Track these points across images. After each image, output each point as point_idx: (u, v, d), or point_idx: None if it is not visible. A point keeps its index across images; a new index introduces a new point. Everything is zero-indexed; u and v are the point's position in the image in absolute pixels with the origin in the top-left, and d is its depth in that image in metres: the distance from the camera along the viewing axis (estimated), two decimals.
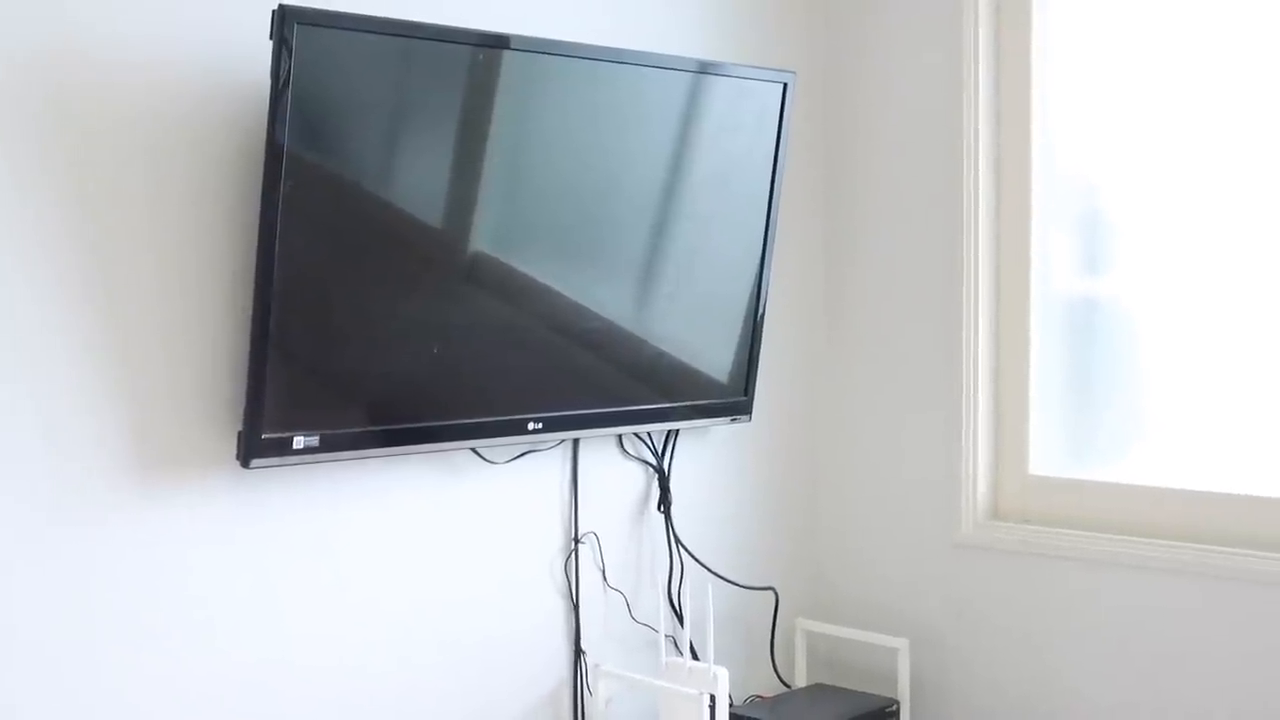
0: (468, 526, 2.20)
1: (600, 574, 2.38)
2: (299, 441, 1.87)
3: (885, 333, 2.63)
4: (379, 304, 1.98)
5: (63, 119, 1.70)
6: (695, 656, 2.42)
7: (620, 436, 2.40)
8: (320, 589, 2.00)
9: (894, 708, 2.47)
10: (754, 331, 2.44)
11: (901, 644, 2.49)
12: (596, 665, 2.34)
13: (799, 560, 2.76)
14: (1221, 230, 2.22)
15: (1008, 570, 2.49)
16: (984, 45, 2.46)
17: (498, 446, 2.18)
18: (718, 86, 2.30)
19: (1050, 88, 2.43)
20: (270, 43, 1.70)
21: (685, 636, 2.46)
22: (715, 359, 2.41)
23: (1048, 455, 2.49)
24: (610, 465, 2.42)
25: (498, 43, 1.96)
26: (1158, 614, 2.28)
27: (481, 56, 1.96)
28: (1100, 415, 2.46)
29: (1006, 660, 2.50)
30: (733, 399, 2.44)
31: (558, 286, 2.15)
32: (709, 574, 2.50)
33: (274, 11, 1.68)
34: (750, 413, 2.44)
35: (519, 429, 2.14)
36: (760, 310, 2.44)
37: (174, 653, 1.83)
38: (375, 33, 1.85)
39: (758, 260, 2.44)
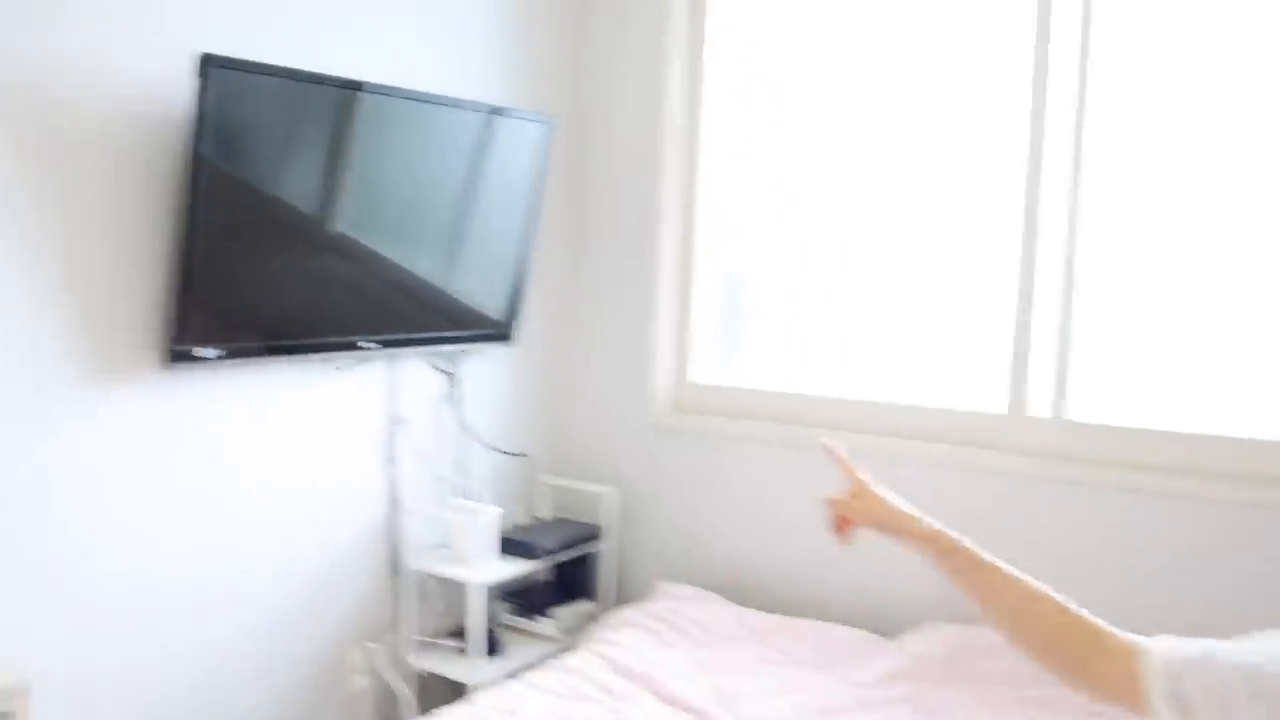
0: (322, 414, 2.66)
1: (411, 447, 2.88)
2: (208, 352, 2.24)
3: (603, 287, 3.29)
4: (267, 260, 2.31)
5: (47, 127, 2.07)
6: (473, 500, 3.03)
7: (427, 353, 2.88)
8: (220, 454, 2.43)
9: (598, 532, 3.16)
10: (519, 284, 2.96)
11: (610, 491, 3.21)
12: (409, 507, 2.88)
13: (547, 434, 3.38)
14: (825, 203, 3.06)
15: (683, 445, 3.17)
16: (676, 89, 3.15)
17: (344, 359, 2.65)
18: (504, 122, 2.78)
19: (716, 121, 3.15)
20: (197, 79, 2.11)
21: (468, 487, 3.06)
22: (491, 302, 2.91)
23: (706, 368, 3.24)
24: (419, 373, 2.90)
25: (353, 86, 2.39)
26: (778, 477, 3.00)
27: (342, 96, 2.37)
28: (738, 344, 3.26)
29: (680, 504, 3.18)
30: (502, 329, 2.96)
31: (388, 253, 2.58)
32: (484, 446, 3.11)
33: (200, 57, 2.10)
34: (512, 337, 2.98)
35: (358, 347, 2.57)
36: (524, 271, 2.96)
37: (101, 509, 2.23)
38: (268, 75, 2.21)
39: (525, 239, 2.94)
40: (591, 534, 3.18)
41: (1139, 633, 1.21)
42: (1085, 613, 1.23)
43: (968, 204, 2.87)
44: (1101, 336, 2.71)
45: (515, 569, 2.91)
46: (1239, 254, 2.56)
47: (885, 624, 2.78)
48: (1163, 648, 1.15)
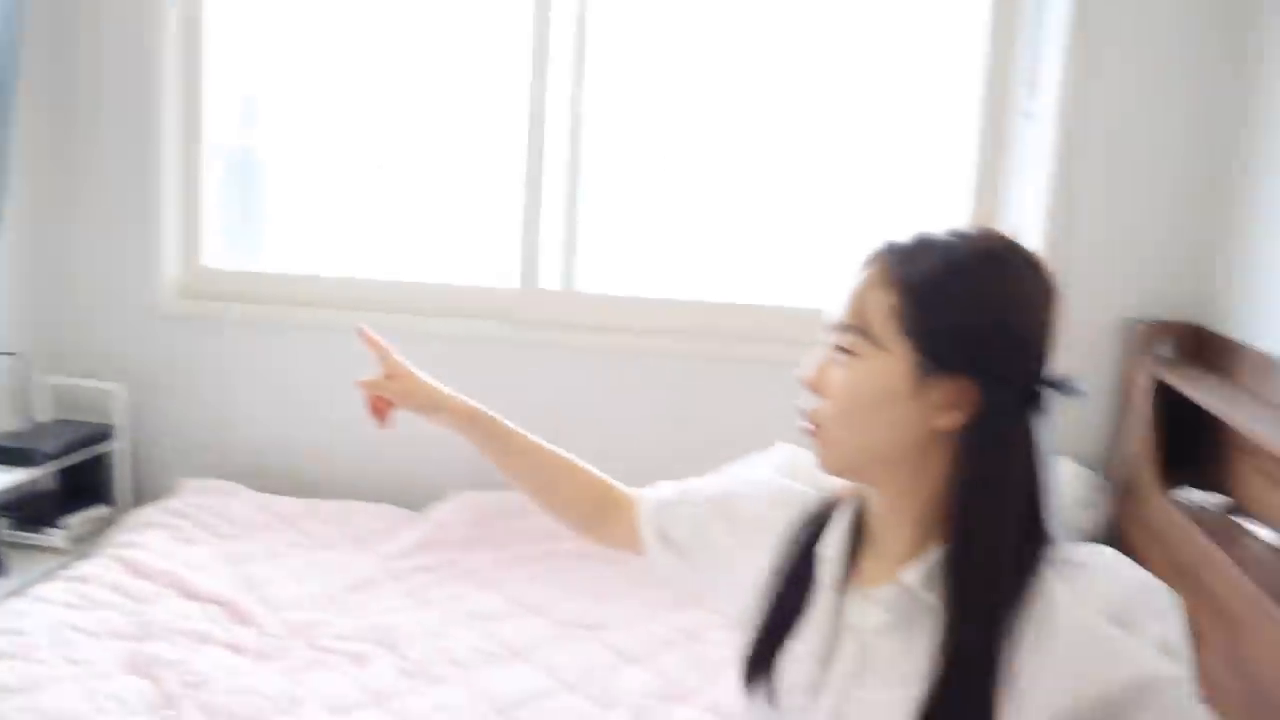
0: None
1: None
2: None
3: (99, 163, 3.04)
4: None
5: None
6: None
7: None
8: None
9: (107, 431, 2.98)
10: None
11: (118, 387, 3.01)
12: None
13: (41, 329, 3.07)
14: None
15: (197, 333, 3.05)
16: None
17: None
18: None
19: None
20: None
21: None
22: None
23: (220, 251, 3.12)
24: None
25: None
26: (300, 361, 2.99)
27: None
28: (255, 226, 3.21)
29: (199, 396, 3.08)
30: None
31: None
32: None
33: None
34: None
35: None
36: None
37: None
38: None
39: None
40: (100, 434, 3.00)
41: (647, 477, 1.39)
42: (602, 476, 1.38)
43: (480, 87, 2.94)
44: (605, 215, 2.93)
45: (10, 479, 2.70)
46: (720, 147, 2.86)
47: (413, 499, 2.88)
48: (651, 494, 1.32)
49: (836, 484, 1.16)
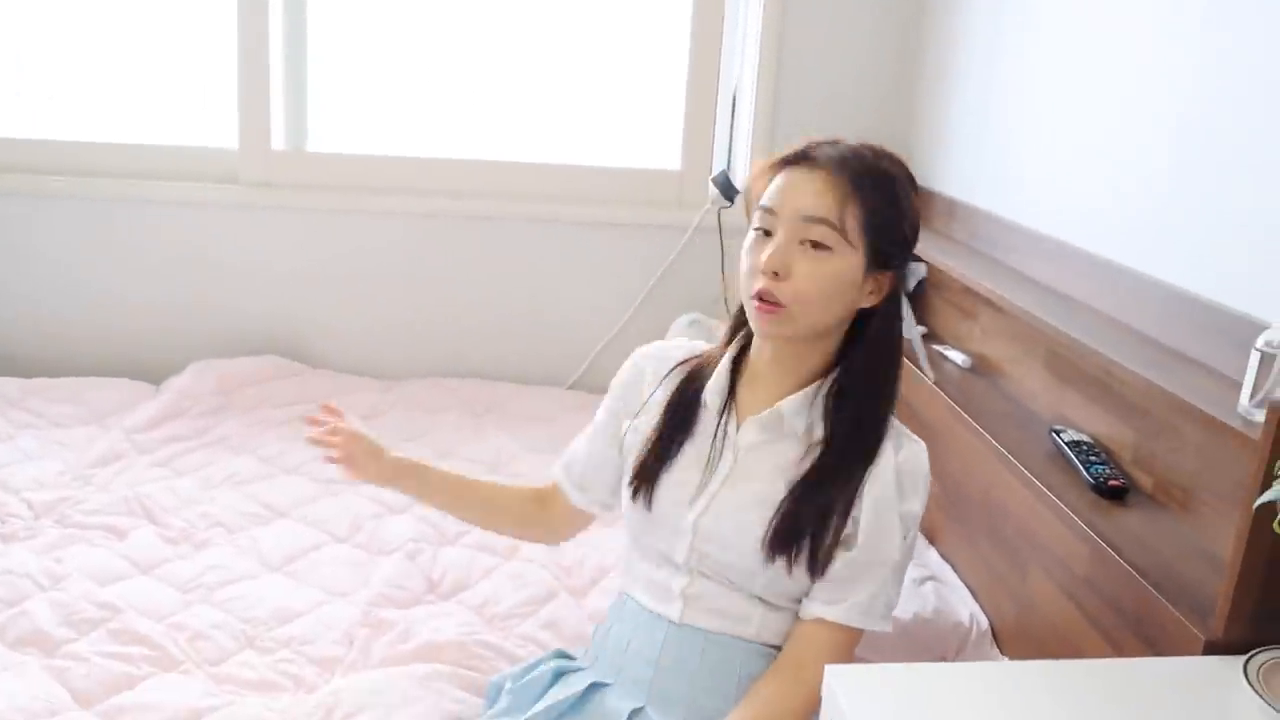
0: None
1: None
2: None
3: None
4: None
5: None
6: None
7: None
8: None
9: None
10: None
11: None
12: None
13: None
14: None
15: None
16: None
17: None
18: None
19: None
20: None
21: None
22: None
23: None
24: None
25: None
26: (14, 233, 2.93)
27: None
28: None
29: None
30: None
31: None
32: None
33: None
34: None
35: None
36: None
37: None
38: None
39: None
40: None
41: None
42: (523, 485, 1.66)
43: None
44: (335, 74, 2.87)
45: None
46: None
47: (151, 372, 2.79)
48: (558, 465, 1.59)
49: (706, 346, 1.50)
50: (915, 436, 1.40)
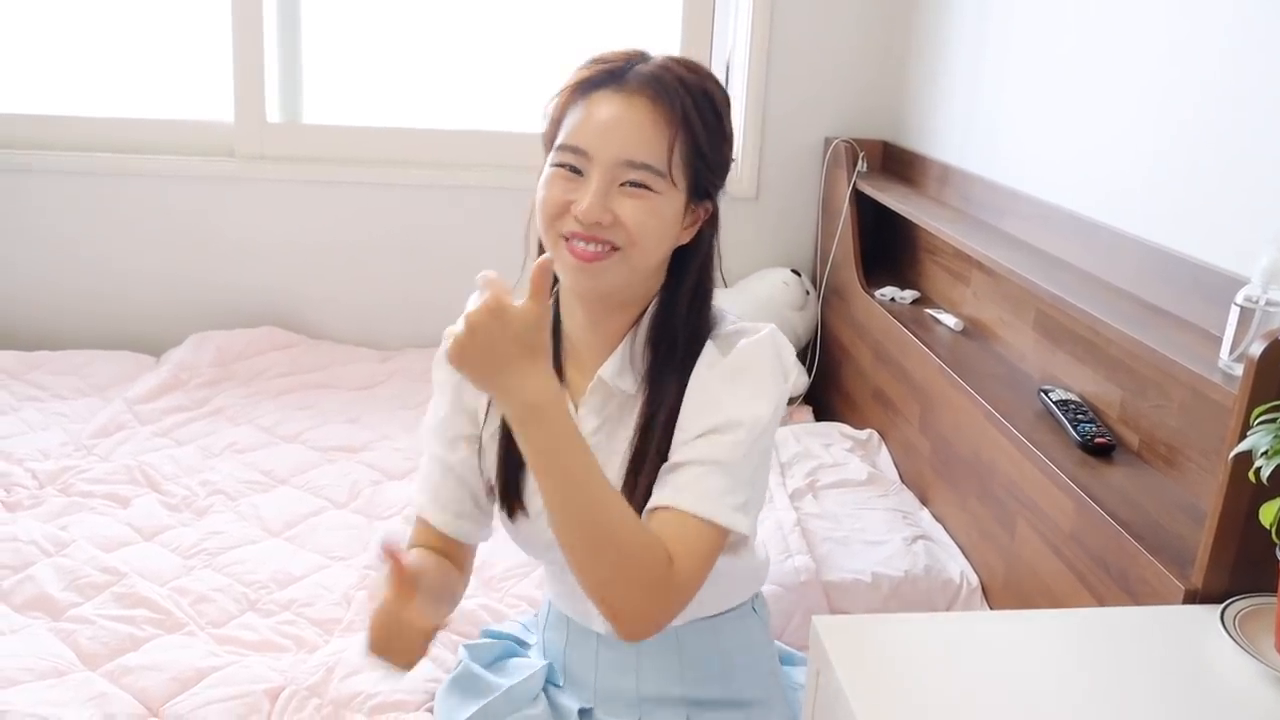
0: None
1: None
2: None
3: None
4: None
5: None
6: None
7: None
8: None
9: None
10: None
11: None
12: None
13: None
14: None
15: None
16: None
17: None
18: None
19: None
20: None
21: None
22: None
23: None
24: None
25: None
26: (17, 206, 2.94)
27: None
28: None
29: None
30: None
31: None
32: None
33: None
34: None
35: None
36: None
37: None
38: None
39: None
40: None
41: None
42: (426, 550, 1.29)
43: None
44: (329, 46, 2.88)
45: None
46: None
47: (151, 344, 2.81)
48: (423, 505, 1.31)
49: None
50: (759, 329, 1.23)
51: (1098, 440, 1.63)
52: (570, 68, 1.23)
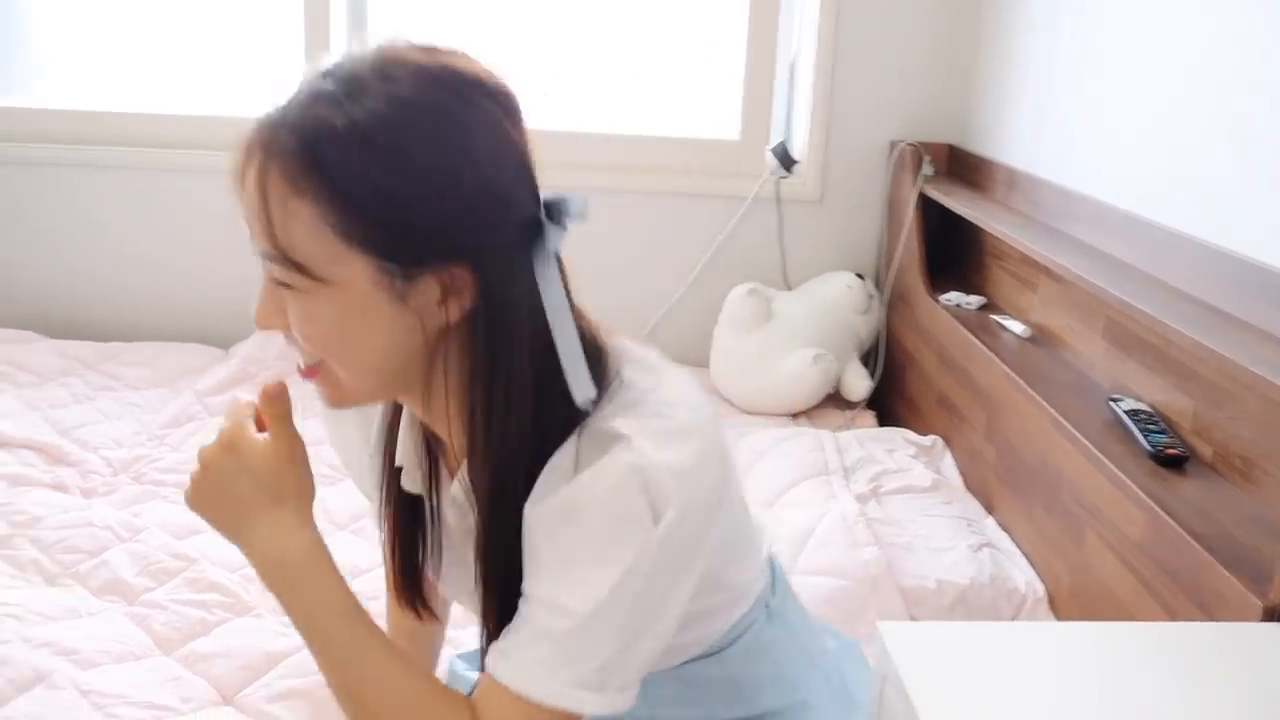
0: None
1: None
2: None
3: None
4: None
5: None
6: None
7: None
8: None
9: None
10: None
11: None
12: None
13: None
14: None
15: None
16: None
17: None
18: None
19: None
20: None
21: None
22: None
23: None
24: None
25: None
26: (93, 201, 2.86)
27: None
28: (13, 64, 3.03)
29: None
30: None
31: None
32: None
33: None
34: None
35: None
36: None
37: None
38: None
39: None
40: None
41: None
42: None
43: None
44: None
45: None
46: None
47: (220, 337, 2.86)
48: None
49: None
50: (619, 455, 0.84)
51: (1169, 451, 1.60)
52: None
